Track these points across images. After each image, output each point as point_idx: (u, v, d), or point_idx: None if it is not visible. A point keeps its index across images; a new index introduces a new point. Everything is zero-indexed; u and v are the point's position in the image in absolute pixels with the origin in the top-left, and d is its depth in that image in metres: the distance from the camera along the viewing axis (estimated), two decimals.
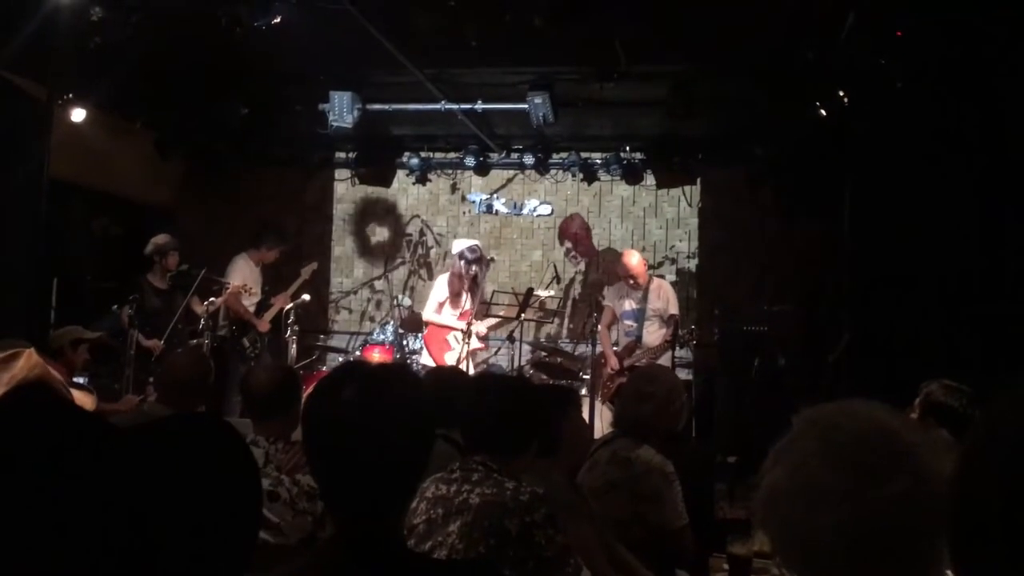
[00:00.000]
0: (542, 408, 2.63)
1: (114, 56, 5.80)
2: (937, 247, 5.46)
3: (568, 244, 8.58)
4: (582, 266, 8.52)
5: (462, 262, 6.99)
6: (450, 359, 6.81)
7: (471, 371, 6.75)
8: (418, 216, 8.92)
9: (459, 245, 7.20)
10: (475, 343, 6.91)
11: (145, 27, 5.53)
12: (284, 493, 2.95)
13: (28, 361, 2.21)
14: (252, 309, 7.47)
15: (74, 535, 1.18)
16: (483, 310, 6.97)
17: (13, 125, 5.89)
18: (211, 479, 1.31)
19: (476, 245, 7.21)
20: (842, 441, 1.11)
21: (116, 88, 6.62)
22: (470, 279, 6.95)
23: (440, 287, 7.12)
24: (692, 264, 8.36)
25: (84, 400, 2.74)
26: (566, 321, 8.46)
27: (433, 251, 8.87)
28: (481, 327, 7.03)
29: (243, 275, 7.45)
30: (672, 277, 7.78)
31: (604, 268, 8.37)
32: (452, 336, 6.95)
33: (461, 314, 6.94)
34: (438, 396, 3.22)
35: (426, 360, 7.06)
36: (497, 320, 7.25)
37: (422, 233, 8.89)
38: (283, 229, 8.12)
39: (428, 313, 7.11)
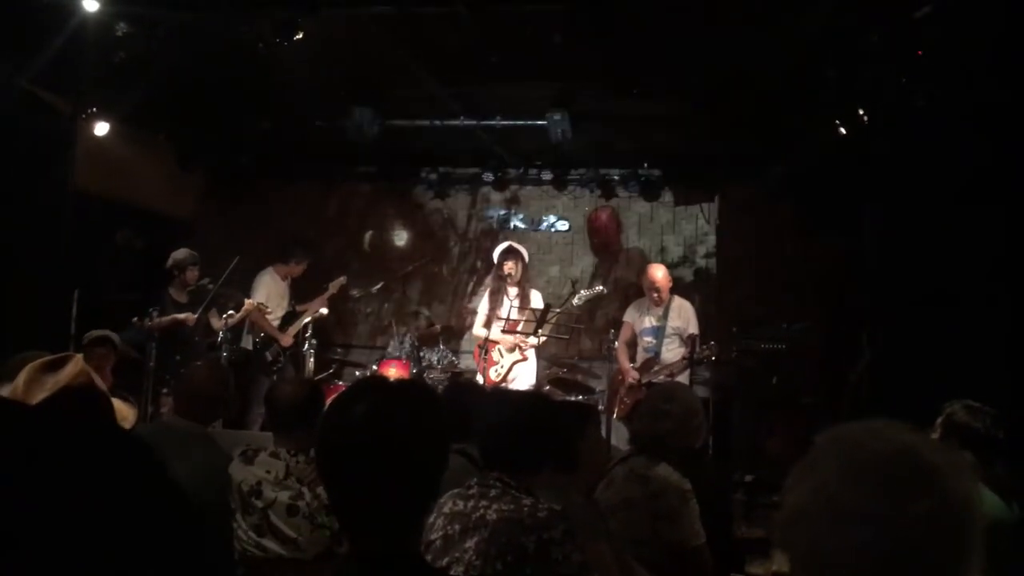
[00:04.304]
0: (559, 424, 2.62)
1: (138, 71, 5.87)
2: (958, 266, 5.40)
3: (596, 239, 8.53)
4: (600, 284, 8.47)
5: (496, 265, 7.01)
6: (494, 374, 6.79)
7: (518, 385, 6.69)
8: (436, 231, 8.94)
9: (496, 252, 7.16)
10: (516, 356, 6.84)
11: (169, 42, 5.60)
12: (304, 507, 2.96)
13: (75, 367, 2.23)
14: (276, 324, 7.52)
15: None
16: (513, 325, 6.74)
17: (38, 138, 5.97)
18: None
19: (510, 244, 7.13)
20: (865, 461, 1.10)
21: (140, 102, 6.69)
22: (507, 278, 6.89)
23: (484, 301, 7.13)
24: (710, 281, 8.32)
25: (124, 412, 2.75)
26: (583, 337, 8.42)
27: (451, 266, 8.89)
28: (531, 339, 6.72)
29: (267, 290, 7.51)
30: (690, 294, 7.74)
31: (623, 265, 8.40)
32: (497, 350, 6.88)
33: (507, 324, 6.76)
34: (456, 411, 3.23)
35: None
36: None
37: (440, 248, 8.91)
38: (308, 242, 8.17)
39: (476, 328, 7.15)
